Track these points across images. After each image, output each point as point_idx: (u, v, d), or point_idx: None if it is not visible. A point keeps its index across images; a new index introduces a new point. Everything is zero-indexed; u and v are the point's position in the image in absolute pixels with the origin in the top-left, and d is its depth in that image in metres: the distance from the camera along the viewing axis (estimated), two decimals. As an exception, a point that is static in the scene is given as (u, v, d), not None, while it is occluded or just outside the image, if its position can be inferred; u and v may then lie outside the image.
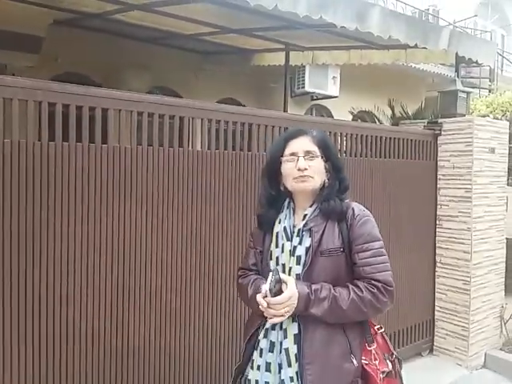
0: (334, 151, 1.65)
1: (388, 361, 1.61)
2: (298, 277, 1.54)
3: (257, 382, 1.57)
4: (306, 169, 1.54)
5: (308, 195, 1.60)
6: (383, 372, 1.56)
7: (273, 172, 1.63)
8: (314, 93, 6.69)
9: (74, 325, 2.14)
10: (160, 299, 2.40)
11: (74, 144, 2.13)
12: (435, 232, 4.04)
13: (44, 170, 2.05)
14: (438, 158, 4.00)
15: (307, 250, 1.54)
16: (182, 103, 2.52)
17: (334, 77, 6.55)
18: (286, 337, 1.54)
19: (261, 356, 1.58)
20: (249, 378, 1.61)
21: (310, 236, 1.56)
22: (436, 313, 4.07)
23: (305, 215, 1.60)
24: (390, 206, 3.65)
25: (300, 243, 1.56)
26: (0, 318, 1.95)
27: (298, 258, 1.55)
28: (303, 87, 6.47)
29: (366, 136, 3.49)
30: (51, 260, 2.08)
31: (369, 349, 1.58)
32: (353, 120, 5.84)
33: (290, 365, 1.51)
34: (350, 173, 3.34)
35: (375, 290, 1.52)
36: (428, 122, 4.05)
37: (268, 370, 1.56)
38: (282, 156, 1.60)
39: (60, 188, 2.09)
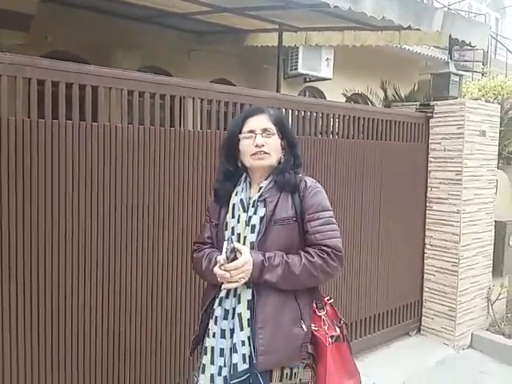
0: (289, 129, 1.74)
1: (336, 326, 1.70)
2: (252, 245, 1.61)
3: (212, 348, 1.64)
4: (263, 145, 1.62)
5: (264, 170, 1.68)
6: (332, 336, 1.65)
7: (231, 148, 1.69)
8: (307, 75, 6.66)
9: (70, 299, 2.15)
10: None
11: (64, 122, 2.11)
12: (425, 214, 4.08)
13: (34, 148, 2.03)
14: (430, 141, 4.02)
15: (261, 219, 1.62)
16: (172, 82, 2.49)
17: (327, 58, 6.51)
18: (239, 302, 1.61)
19: (216, 324, 1.65)
20: (205, 345, 1.68)
21: (264, 206, 1.63)
22: (424, 293, 4.14)
23: (260, 187, 1.67)
24: (381, 188, 3.68)
25: (255, 213, 1.64)
26: None
27: (253, 227, 1.62)
28: (296, 69, 6.43)
29: (358, 118, 3.49)
30: (41, 237, 2.08)
31: (318, 315, 1.67)
32: (346, 102, 5.82)
33: (242, 329, 1.58)
34: (341, 154, 3.35)
35: (325, 256, 1.60)
36: (420, 105, 4.06)
37: (223, 336, 1.63)
38: (240, 133, 1.66)
39: (50, 166, 2.08)
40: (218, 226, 1.71)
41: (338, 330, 1.69)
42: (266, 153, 1.62)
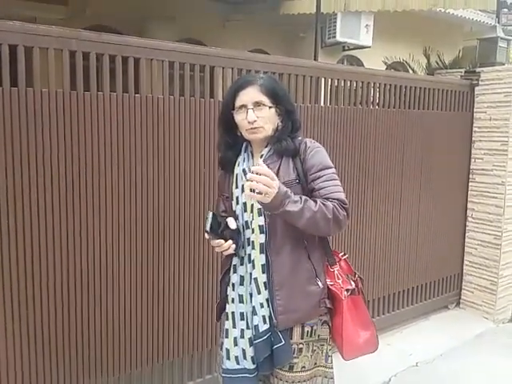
0: (283, 95, 1.68)
1: (351, 280, 1.74)
2: (259, 212, 1.62)
3: (233, 313, 1.71)
4: (255, 120, 1.60)
5: (262, 140, 1.67)
6: (347, 290, 1.70)
7: (227, 121, 1.69)
8: (345, 43, 6.48)
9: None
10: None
11: (109, 94, 2.15)
12: (467, 186, 3.98)
13: (80, 119, 2.08)
14: (475, 110, 3.88)
15: None
16: (211, 52, 2.48)
17: (367, 25, 6.30)
18: (254, 267, 1.64)
19: (233, 290, 1.71)
20: (226, 311, 1.74)
21: None
22: (464, 267, 4.07)
23: (261, 155, 1.67)
24: (423, 158, 3.59)
25: None
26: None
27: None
28: (334, 37, 6.27)
29: (400, 86, 3.39)
30: (84, 210, 2.16)
31: (331, 270, 1.71)
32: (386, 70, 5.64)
33: (259, 292, 1.63)
34: (381, 124, 3.28)
35: (335, 204, 1.60)
36: (465, 72, 3.89)
37: (241, 301, 1.69)
38: (233, 108, 1.64)
39: (96, 137, 2.14)
40: (229, 198, 1.73)
41: (352, 283, 1.73)
42: (259, 127, 1.62)
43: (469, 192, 3.99)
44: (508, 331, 3.78)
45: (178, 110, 2.36)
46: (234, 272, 1.72)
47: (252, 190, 1.46)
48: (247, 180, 1.48)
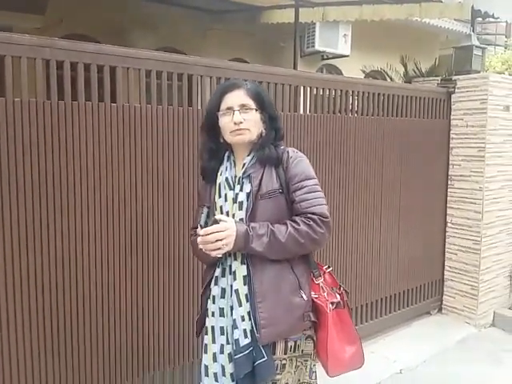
0: (269, 102, 1.69)
1: (336, 293, 1.71)
2: (241, 221, 1.60)
3: (213, 327, 1.65)
4: (241, 122, 1.59)
5: (246, 146, 1.66)
6: (332, 303, 1.66)
7: (211, 126, 1.67)
8: (324, 52, 6.53)
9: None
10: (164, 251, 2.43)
11: (84, 103, 2.11)
12: (446, 192, 4.02)
13: (54, 128, 2.04)
14: (452, 117, 3.93)
15: (248, 195, 1.61)
16: (189, 60, 2.46)
17: (345, 34, 6.37)
18: (235, 279, 1.60)
19: (214, 303, 1.66)
20: (206, 325, 1.68)
21: (249, 182, 1.62)
22: (446, 272, 4.10)
23: (244, 164, 1.65)
24: (402, 165, 3.62)
25: (241, 190, 1.63)
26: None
27: (240, 204, 1.62)
28: (313, 46, 6.31)
29: (378, 94, 3.42)
30: (65, 224, 2.10)
31: (316, 283, 1.68)
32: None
33: (240, 305, 1.58)
34: (360, 132, 3.30)
35: (311, 223, 1.58)
36: (442, 80, 3.96)
37: (221, 315, 1.64)
38: (218, 111, 1.63)
39: (71, 147, 2.09)
40: (210, 208, 1.70)
41: (338, 296, 1.70)
42: (245, 129, 1.60)
43: (448, 198, 4.03)
44: (490, 336, 3.81)
45: (156, 118, 2.33)
46: (215, 284, 1.67)
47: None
48: (198, 243, 1.53)
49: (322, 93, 3.10)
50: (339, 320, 1.67)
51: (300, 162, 1.65)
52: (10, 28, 4.23)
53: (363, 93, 3.33)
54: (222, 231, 1.51)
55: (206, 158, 1.72)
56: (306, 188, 1.62)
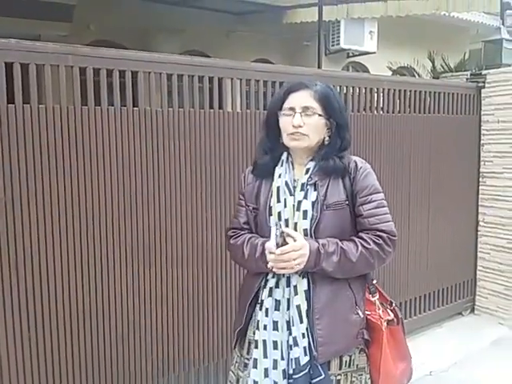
0: (337, 107, 1.55)
1: (388, 310, 1.65)
2: (305, 232, 1.51)
3: (264, 341, 1.55)
4: (300, 126, 1.49)
5: (305, 151, 1.56)
6: (386, 320, 1.60)
7: (271, 125, 1.58)
8: (349, 49, 6.47)
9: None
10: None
11: (106, 108, 2.15)
12: (478, 190, 3.90)
13: (78, 134, 2.08)
14: (482, 112, 3.81)
15: (313, 204, 1.51)
16: (210, 63, 2.47)
17: (370, 31, 6.28)
18: (296, 293, 1.52)
19: (266, 315, 1.56)
20: (255, 338, 1.58)
21: (315, 190, 1.53)
22: (478, 272, 3.98)
23: (307, 169, 1.56)
24: (431, 163, 3.53)
25: (305, 197, 1.52)
26: None
27: (305, 213, 1.52)
28: (338, 44, 6.25)
29: (404, 91, 3.35)
30: (90, 226, 2.14)
31: (372, 299, 1.62)
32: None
33: (301, 321, 1.51)
34: (387, 130, 3.24)
35: (381, 241, 1.51)
36: (471, 74, 3.84)
37: (275, 328, 1.55)
38: (280, 110, 1.54)
39: (95, 152, 2.13)
40: (258, 210, 1.60)
41: (391, 313, 1.63)
42: (303, 134, 1.50)
43: (479, 196, 3.91)
44: (525, 338, 3.68)
45: (178, 122, 2.34)
46: (269, 296, 1.56)
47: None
48: (269, 261, 1.46)
49: (345, 91, 3.05)
50: (392, 338, 1.61)
51: (369, 174, 1.56)
52: (37, 36, 4.37)
53: (388, 90, 3.27)
54: (297, 250, 1.44)
55: (261, 153, 1.63)
56: (375, 203, 1.54)
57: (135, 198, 2.25)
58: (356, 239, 1.52)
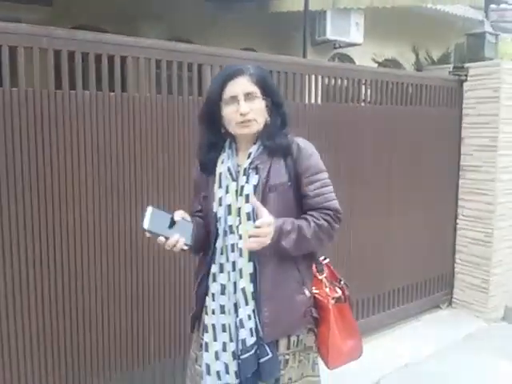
0: (273, 87, 1.57)
1: (337, 287, 1.66)
2: (248, 216, 1.51)
3: (213, 325, 1.59)
4: (248, 112, 1.48)
5: (252, 136, 1.56)
6: (333, 298, 1.62)
7: (212, 116, 1.56)
8: (335, 40, 6.40)
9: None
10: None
11: (82, 92, 2.10)
12: (458, 183, 3.93)
13: (52, 119, 2.03)
14: (463, 106, 3.83)
15: (255, 187, 1.52)
16: (189, 49, 2.43)
17: (357, 23, 6.23)
18: (241, 277, 1.54)
19: (214, 300, 1.59)
20: (205, 323, 1.61)
21: (256, 173, 1.53)
22: (456, 265, 4.03)
23: (249, 154, 1.56)
24: (411, 155, 3.54)
25: (247, 182, 1.53)
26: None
27: (247, 197, 1.52)
28: (324, 35, 6.19)
29: (387, 82, 3.35)
30: (65, 208, 2.10)
31: (319, 278, 1.63)
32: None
33: (247, 303, 1.53)
34: (369, 121, 3.23)
35: (329, 218, 1.54)
36: (453, 67, 3.85)
37: (223, 312, 1.58)
38: (220, 100, 1.52)
39: (69, 138, 2.08)
40: (208, 197, 1.61)
41: (338, 291, 1.66)
42: (252, 120, 1.49)
43: (459, 189, 3.94)
44: (500, 330, 3.74)
45: (156, 107, 2.31)
46: (214, 281, 1.59)
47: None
48: (249, 236, 1.41)
49: (327, 82, 3.03)
50: (340, 315, 1.63)
51: (312, 155, 1.56)
52: (17, 20, 4.23)
53: (371, 81, 3.26)
54: (269, 226, 1.42)
55: (205, 150, 1.61)
56: (320, 182, 1.55)
57: (122, 184, 2.22)
58: (308, 217, 1.54)
